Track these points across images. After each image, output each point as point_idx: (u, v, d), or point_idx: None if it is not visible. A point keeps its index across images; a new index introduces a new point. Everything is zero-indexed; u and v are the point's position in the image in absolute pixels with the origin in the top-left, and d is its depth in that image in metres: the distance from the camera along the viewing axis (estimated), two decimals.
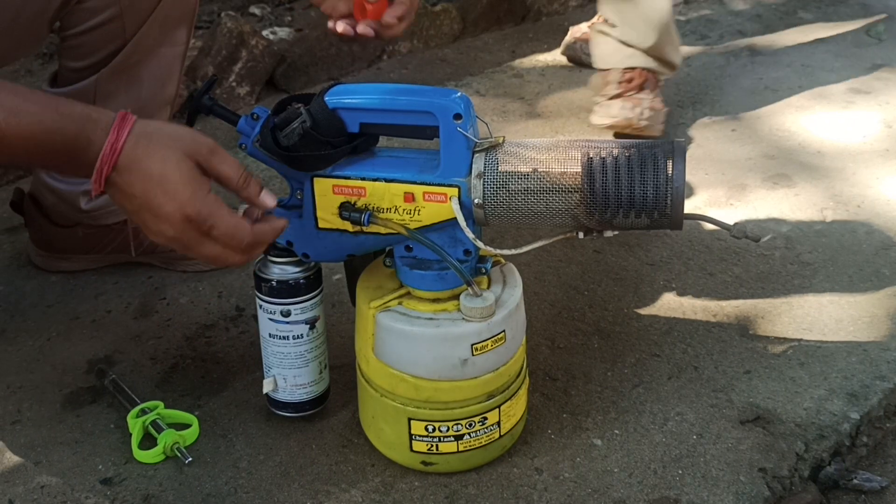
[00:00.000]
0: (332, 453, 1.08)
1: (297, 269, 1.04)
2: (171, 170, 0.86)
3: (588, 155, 0.95)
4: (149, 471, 1.06)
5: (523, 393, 1.07)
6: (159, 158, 0.86)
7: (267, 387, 1.09)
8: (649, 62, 1.80)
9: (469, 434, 1.02)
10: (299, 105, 0.98)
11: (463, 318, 0.98)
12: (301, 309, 1.05)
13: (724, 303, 1.34)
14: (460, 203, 0.96)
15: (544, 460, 1.07)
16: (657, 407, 1.15)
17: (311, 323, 1.06)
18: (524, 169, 0.95)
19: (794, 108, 1.93)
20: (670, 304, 1.34)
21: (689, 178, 1.67)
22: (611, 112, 1.75)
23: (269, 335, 1.07)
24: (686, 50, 2.27)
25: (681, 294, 1.36)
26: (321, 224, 1.01)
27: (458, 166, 0.96)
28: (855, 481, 1.10)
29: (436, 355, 0.99)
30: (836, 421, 1.13)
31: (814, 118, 1.89)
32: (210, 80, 1.04)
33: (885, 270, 1.41)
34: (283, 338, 1.06)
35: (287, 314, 1.05)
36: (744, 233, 1.00)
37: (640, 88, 1.78)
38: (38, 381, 1.21)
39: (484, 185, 0.95)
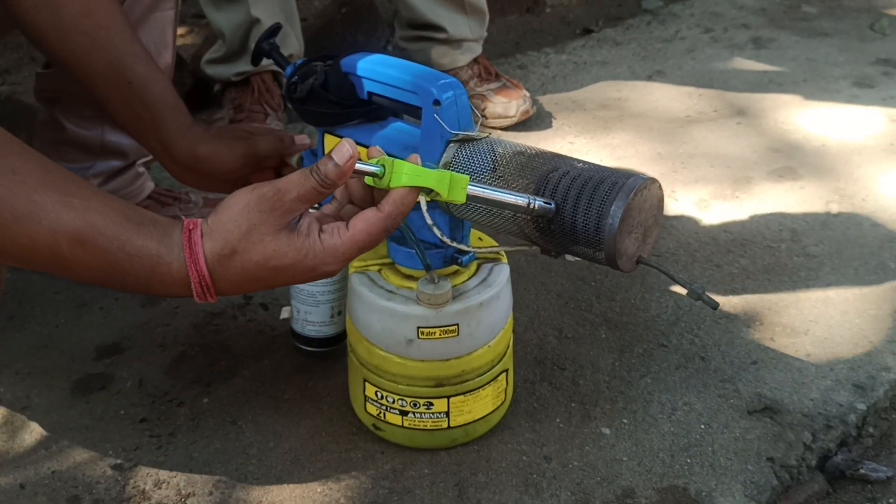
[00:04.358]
0: (341, 441, 1.09)
1: None
2: (276, 249, 0.81)
3: (550, 173, 0.90)
4: (160, 457, 1.06)
5: (488, 394, 1.06)
6: (256, 249, 0.81)
7: (284, 314, 1.20)
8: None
9: (413, 413, 1.04)
10: (318, 63, 1.03)
11: (416, 300, 1.00)
12: None
13: (730, 294, 1.35)
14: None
15: (553, 448, 1.08)
16: (665, 397, 1.16)
17: None
18: (486, 170, 0.93)
19: (799, 101, 1.94)
20: (677, 295, 1.34)
21: (695, 172, 1.68)
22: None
23: None
24: (691, 43, 2.27)
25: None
26: None
27: (433, 152, 0.95)
28: (861, 471, 1.11)
29: (384, 327, 1.01)
30: (843, 412, 1.14)
31: (818, 112, 1.89)
32: (274, 27, 1.10)
33: (891, 263, 1.42)
34: None
35: None
36: (698, 295, 0.92)
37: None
38: (47, 367, 1.21)
39: None
